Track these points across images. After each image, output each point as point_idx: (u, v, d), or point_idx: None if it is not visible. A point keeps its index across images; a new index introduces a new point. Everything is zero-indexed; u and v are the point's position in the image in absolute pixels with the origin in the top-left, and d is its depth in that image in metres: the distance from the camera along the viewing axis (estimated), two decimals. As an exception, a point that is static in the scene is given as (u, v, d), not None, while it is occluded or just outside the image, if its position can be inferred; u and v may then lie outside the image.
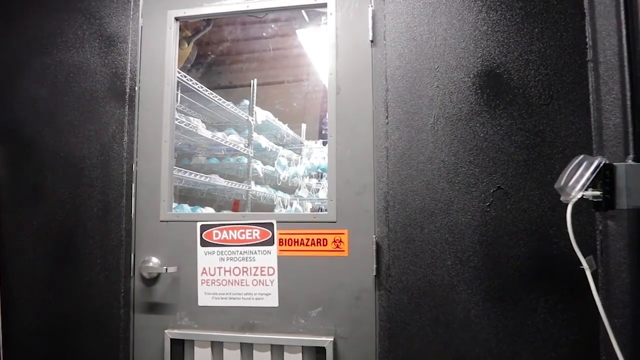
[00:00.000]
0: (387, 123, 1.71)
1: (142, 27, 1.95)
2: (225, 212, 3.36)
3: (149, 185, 1.90)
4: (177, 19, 1.94)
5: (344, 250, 1.71)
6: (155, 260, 1.85)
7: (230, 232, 1.79)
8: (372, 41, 1.75)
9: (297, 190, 4.31)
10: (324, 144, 4.51)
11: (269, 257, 1.76)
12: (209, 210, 3.11)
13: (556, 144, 1.57)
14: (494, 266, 1.59)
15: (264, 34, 3.32)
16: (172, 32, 1.93)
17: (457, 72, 1.67)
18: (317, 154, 4.52)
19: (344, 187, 1.74)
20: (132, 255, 1.88)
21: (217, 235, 1.80)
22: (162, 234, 1.86)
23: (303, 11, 2.63)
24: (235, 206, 3.62)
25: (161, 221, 1.87)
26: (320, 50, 3.03)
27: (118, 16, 1.97)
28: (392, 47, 1.73)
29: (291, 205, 4.03)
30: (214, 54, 3.54)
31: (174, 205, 2.79)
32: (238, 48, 3.54)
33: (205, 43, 3.32)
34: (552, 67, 1.60)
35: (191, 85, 2.74)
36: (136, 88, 1.94)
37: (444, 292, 1.62)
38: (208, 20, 2.76)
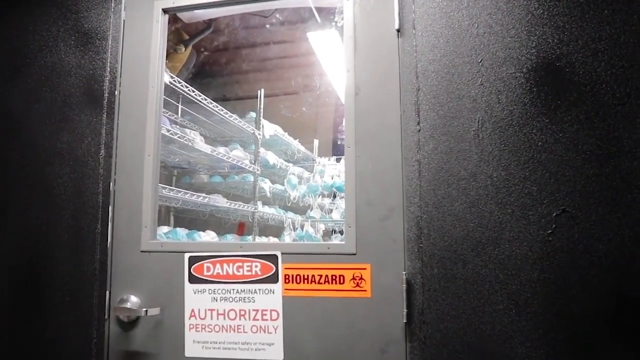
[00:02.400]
0: (419, 130, 1.38)
1: (124, 20, 1.67)
2: (229, 236, 3.03)
3: (129, 208, 1.58)
4: (165, 10, 1.65)
5: (365, 290, 1.37)
6: (134, 299, 1.52)
7: (225, 265, 1.46)
8: (398, 30, 1.44)
9: (308, 211, 3.99)
10: (338, 160, 4.22)
11: (272, 297, 1.42)
12: (211, 234, 2.79)
13: (637, 154, 1.23)
14: (560, 312, 1.23)
15: (272, 40, 3.03)
16: (160, 26, 1.64)
17: (506, 67, 1.34)
18: (331, 171, 4.22)
19: (366, 211, 1.40)
20: (108, 292, 1.55)
21: (208, 269, 1.47)
22: (143, 267, 1.54)
23: (314, 9, 2.33)
24: (241, 229, 3.30)
25: (142, 251, 1.54)
26: (335, 56, 2.72)
27: (97, 9, 1.68)
28: (423, 37, 1.41)
29: (302, 227, 3.70)
30: (218, 62, 3.26)
31: (167, 229, 2.48)
32: (243, 56, 3.25)
33: (207, 50, 3.04)
34: (627, 57, 1.26)
35: (192, 96, 2.45)
36: (116, 92, 1.64)
37: (495, 345, 1.26)
38: (209, 22, 2.48)
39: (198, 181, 3.20)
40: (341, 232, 4.06)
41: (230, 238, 2.97)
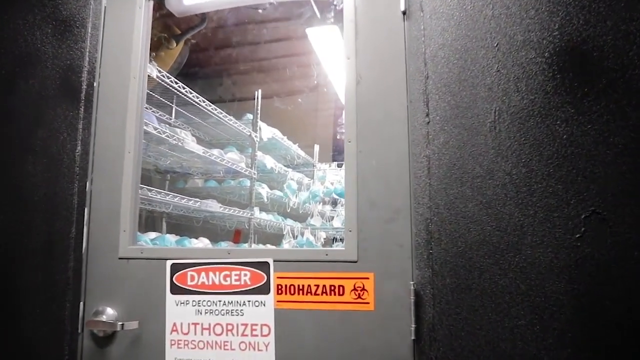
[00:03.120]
0: (428, 122, 1.23)
1: (105, 7, 1.54)
2: (224, 243, 2.88)
3: (107, 210, 1.44)
4: (149, -5, 1.51)
5: (368, 302, 1.21)
6: (110, 311, 1.37)
7: (211, 274, 1.30)
8: (404, 13, 1.30)
9: (309, 218, 3.85)
10: (339, 166, 4.10)
11: (262, 310, 1.26)
12: (204, 241, 2.64)
13: (677, 148, 1.08)
14: (592, 329, 1.07)
15: (269, 37, 2.89)
16: (143, 13, 1.50)
17: (525, 51, 1.19)
18: (332, 177, 4.10)
19: (368, 213, 1.25)
20: (81, 304, 1.40)
21: (192, 278, 1.31)
22: (121, 276, 1.39)
23: (312, 2, 2.20)
24: (237, 237, 3.14)
25: (120, 258, 1.40)
26: (336, 53, 2.59)
27: (76, -5, 1.55)
28: (432, 19, 1.27)
29: (302, 235, 3.55)
30: (211, 60, 3.12)
31: (155, 235, 2.33)
32: (239, 53, 3.12)
33: (202, 49, 2.91)
34: (663, 39, 1.11)
35: (183, 93, 2.31)
36: (95, 84, 1.51)
37: (516, 366, 1.10)
38: (202, 16, 2.35)
39: (192, 186, 3.06)
40: (342, 240, 3.92)
41: (225, 246, 2.82)
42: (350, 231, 1.25)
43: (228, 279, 1.29)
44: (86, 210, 1.45)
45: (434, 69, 1.25)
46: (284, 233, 3.49)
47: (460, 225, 1.18)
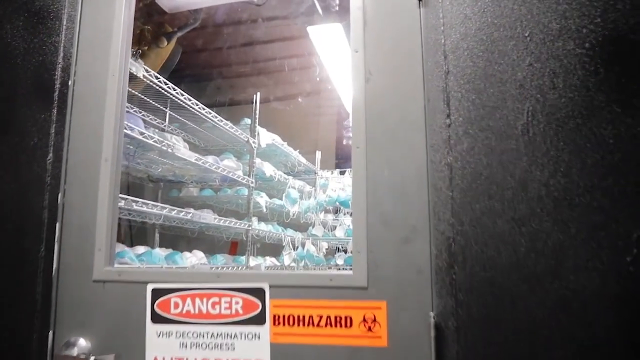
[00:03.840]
0: (449, 125, 1.06)
1: (82, -4, 1.37)
2: (220, 256, 2.70)
3: (81, 226, 1.27)
4: (131, -17, 1.35)
5: (380, 337, 1.04)
6: (83, 343, 1.20)
7: (197, 301, 1.13)
8: (420, -1, 1.14)
9: (310, 228, 3.69)
10: (342, 173, 3.95)
11: (257, 344, 1.09)
12: (198, 255, 2.47)
13: None
14: (650, 371, 0.89)
15: (268, 37, 2.73)
16: (124, 4, 1.34)
17: (562, 42, 1.03)
18: (334, 185, 3.95)
19: (380, 231, 1.08)
20: (51, 333, 1.23)
21: (176, 305, 1.14)
22: (96, 302, 1.22)
23: (316, 1, 2.04)
24: (233, 249, 2.97)
25: (95, 281, 1.23)
26: (338, 53, 2.43)
27: (51, -16, 1.39)
28: (453, 6, 1.11)
29: (303, 246, 3.38)
30: (208, 63, 2.97)
31: (143, 249, 2.15)
32: (237, 56, 2.96)
33: (197, 51, 2.75)
34: None
35: (174, 95, 2.15)
36: (70, 82, 1.35)
37: (557, 415, 0.93)
38: (195, 14, 2.19)
39: (187, 195, 2.89)
40: (345, 251, 3.76)
41: (222, 259, 2.65)
42: (359, 252, 1.07)
43: (217, 306, 1.12)
44: (57, 225, 1.28)
45: (456, 62, 1.08)
46: (284, 244, 3.33)
47: (489, 246, 1.00)
